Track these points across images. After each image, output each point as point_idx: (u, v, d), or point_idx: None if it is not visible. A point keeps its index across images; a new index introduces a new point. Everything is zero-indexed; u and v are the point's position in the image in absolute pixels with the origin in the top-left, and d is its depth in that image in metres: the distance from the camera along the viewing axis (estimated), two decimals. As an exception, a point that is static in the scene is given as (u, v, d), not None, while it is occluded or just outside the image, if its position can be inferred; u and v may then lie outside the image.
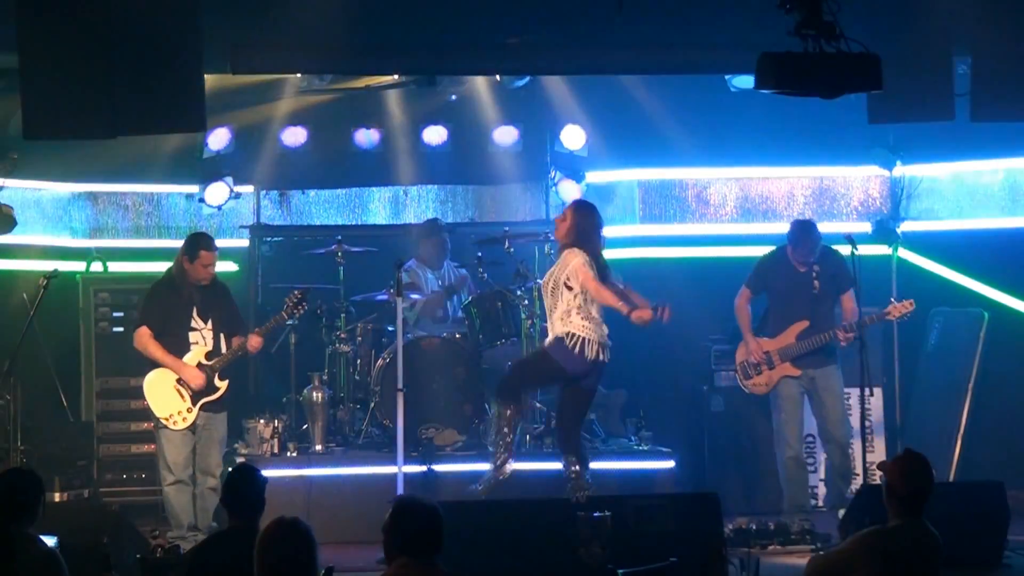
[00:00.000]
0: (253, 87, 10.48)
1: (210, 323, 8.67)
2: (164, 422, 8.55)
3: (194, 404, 8.57)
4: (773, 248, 9.58)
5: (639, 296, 8.46)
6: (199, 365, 8.60)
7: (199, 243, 8.69)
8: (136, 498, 9.89)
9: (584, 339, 8.31)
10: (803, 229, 9.44)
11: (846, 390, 10.04)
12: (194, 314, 8.64)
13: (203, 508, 8.57)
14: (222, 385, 8.64)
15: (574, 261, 8.33)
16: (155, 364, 8.62)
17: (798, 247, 9.32)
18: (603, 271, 8.43)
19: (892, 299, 9.34)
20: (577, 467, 8.47)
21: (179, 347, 8.61)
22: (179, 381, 8.58)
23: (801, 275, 9.31)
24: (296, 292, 8.90)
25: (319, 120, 10.96)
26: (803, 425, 9.33)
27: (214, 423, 8.66)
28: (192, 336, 8.64)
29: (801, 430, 9.31)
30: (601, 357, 8.37)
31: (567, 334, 8.32)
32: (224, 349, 8.67)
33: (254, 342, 8.65)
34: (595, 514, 7.12)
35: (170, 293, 8.70)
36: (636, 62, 9.89)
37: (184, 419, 8.55)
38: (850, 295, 9.29)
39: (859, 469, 9.83)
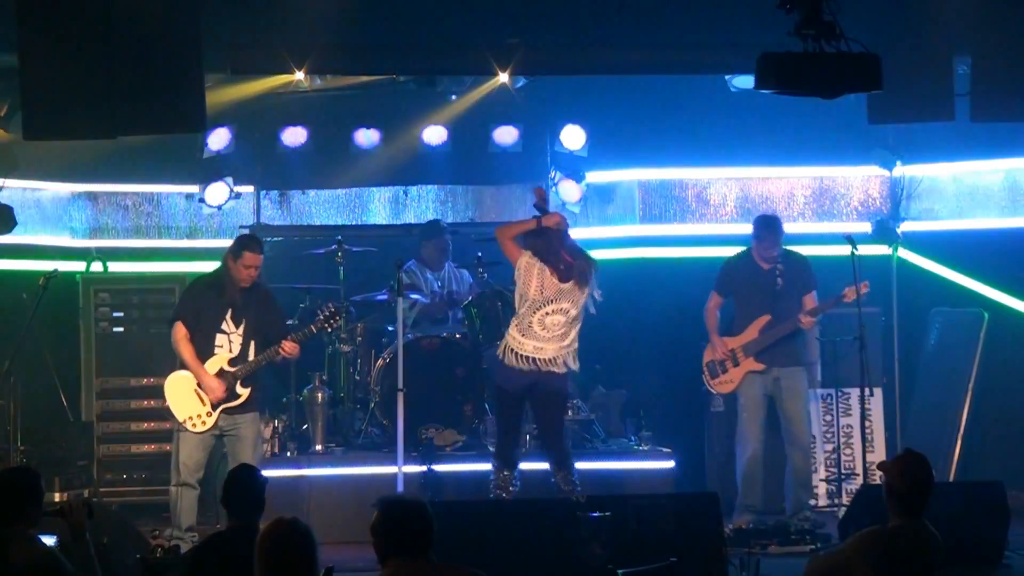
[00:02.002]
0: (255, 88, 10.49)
1: (242, 328, 8.50)
2: (183, 425, 8.48)
3: (214, 409, 8.45)
4: (737, 251, 9.56)
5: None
6: (220, 371, 8.47)
7: (244, 244, 8.57)
8: (136, 498, 9.88)
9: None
10: (767, 223, 9.43)
11: (846, 390, 10.07)
12: (228, 316, 8.49)
13: None
14: (244, 392, 8.48)
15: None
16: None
17: (763, 240, 9.30)
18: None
19: (848, 283, 9.30)
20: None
21: (206, 348, 8.48)
22: (200, 385, 8.52)
23: (765, 273, 9.32)
24: (330, 306, 8.72)
25: (319, 120, 10.95)
26: (765, 426, 9.31)
27: (241, 424, 8.52)
28: (219, 339, 8.49)
29: (762, 431, 9.29)
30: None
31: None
32: (252, 356, 8.52)
33: (287, 346, 8.43)
34: (595, 514, 7.12)
35: (209, 290, 8.58)
36: (636, 62, 9.91)
37: (203, 423, 8.45)
38: (812, 296, 9.31)
39: (859, 469, 9.85)
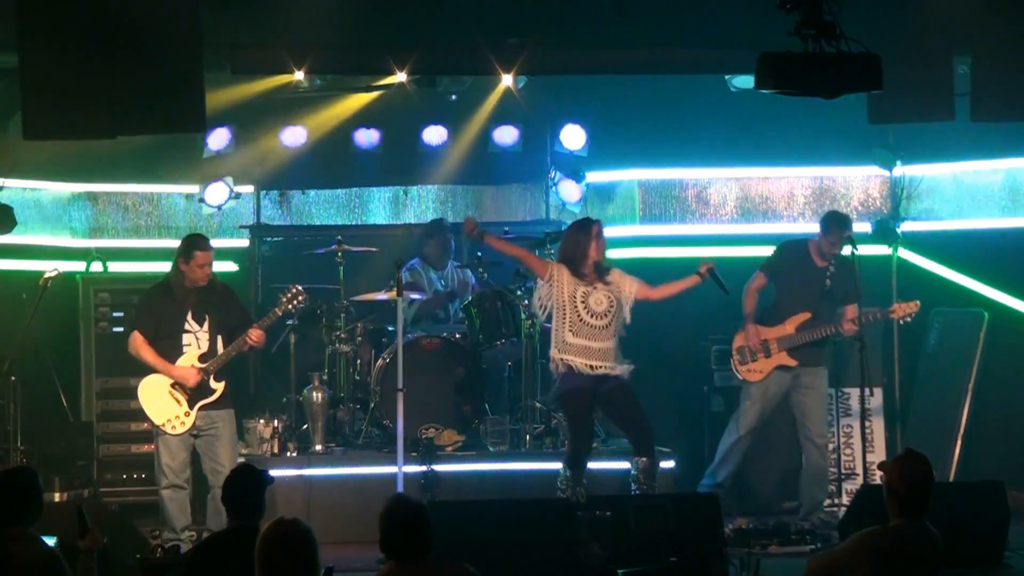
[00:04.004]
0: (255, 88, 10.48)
1: (206, 325, 8.58)
2: (162, 428, 8.52)
3: (191, 407, 8.51)
4: (796, 238, 9.59)
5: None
6: (192, 368, 8.56)
7: (193, 244, 8.63)
8: (136, 498, 9.87)
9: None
10: (839, 219, 9.38)
11: (846, 390, 10.06)
12: (188, 317, 8.56)
13: (216, 511, 8.34)
14: (218, 387, 8.56)
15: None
16: (151, 369, 8.59)
17: (829, 234, 9.24)
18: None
19: (897, 300, 9.31)
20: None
21: (173, 350, 8.55)
22: (174, 385, 8.51)
23: (817, 270, 9.30)
24: (293, 287, 8.84)
25: (320, 120, 10.95)
26: (763, 419, 9.32)
27: (219, 422, 8.57)
28: (186, 338, 8.56)
29: (758, 423, 9.30)
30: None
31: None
32: (221, 350, 8.59)
33: (254, 335, 8.55)
34: (595, 514, 7.11)
35: (164, 297, 8.64)
36: (636, 62, 9.90)
37: (183, 423, 8.50)
38: (854, 307, 9.22)
39: (859, 469, 9.85)
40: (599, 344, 8.56)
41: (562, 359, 8.54)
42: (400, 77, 10.03)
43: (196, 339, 8.58)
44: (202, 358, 8.56)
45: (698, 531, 7.60)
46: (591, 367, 8.52)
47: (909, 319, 9.37)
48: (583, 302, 8.55)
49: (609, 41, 9.64)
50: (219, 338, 8.60)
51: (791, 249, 9.48)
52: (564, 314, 8.55)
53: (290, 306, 8.79)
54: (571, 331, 8.52)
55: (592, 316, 8.54)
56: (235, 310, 8.78)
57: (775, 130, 10.64)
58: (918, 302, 9.30)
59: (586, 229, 8.73)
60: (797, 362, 9.25)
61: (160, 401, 8.52)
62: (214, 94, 9.20)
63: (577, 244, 8.68)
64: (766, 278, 9.43)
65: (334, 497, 9.14)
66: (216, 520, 8.39)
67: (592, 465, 8.81)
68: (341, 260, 10.03)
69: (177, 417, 8.50)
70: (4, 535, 5.47)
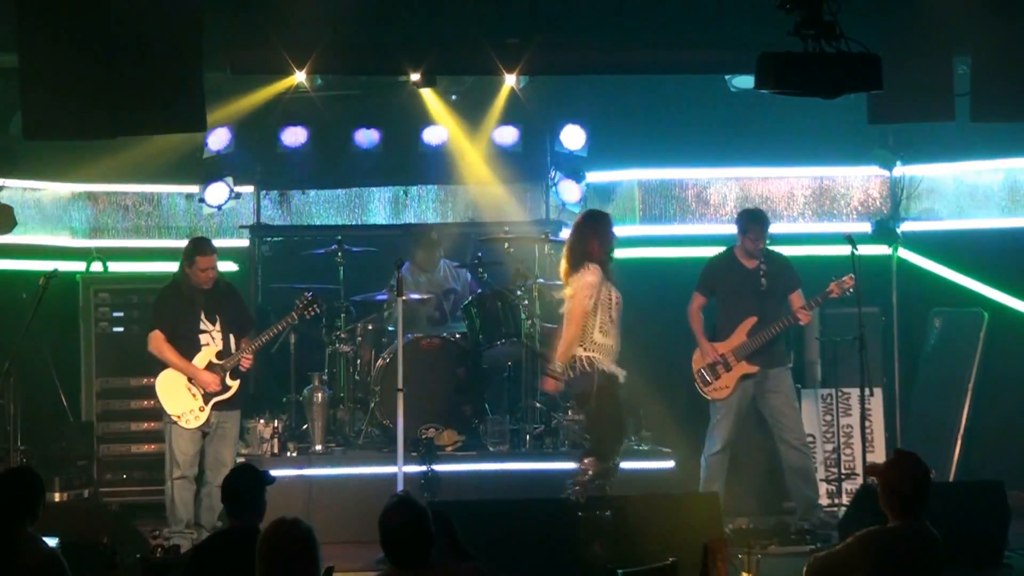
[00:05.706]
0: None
1: (218, 324, 8.78)
2: (176, 419, 8.64)
3: (206, 403, 8.68)
4: (719, 251, 9.53)
5: None
6: (210, 364, 8.71)
7: (195, 249, 8.79)
8: (136, 498, 9.88)
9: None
10: (753, 215, 9.40)
11: (846, 390, 10.06)
12: (202, 316, 8.75)
13: (210, 507, 8.61)
14: (234, 384, 8.76)
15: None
16: (162, 366, 8.72)
17: (748, 233, 9.25)
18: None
19: (833, 277, 9.27)
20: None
21: (190, 348, 8.71)
22: (191, 380, 8.66)
23: (748, 272, 9.28)
24: (306, 295, 8.97)
25: (319, 120, 10.95)
26: (736, 429, 9.30)
27: (228, 422, 8.78)
28: (203, 338, 8.75)
29: (732, 434, 9.29)
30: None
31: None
32: (234, 349, 8.79)
33: (245, 363, 8.78)
34: (595, 514, 7.11)
35: (177, 297, 8.81)
36: (636, 62, 9.91)
37: (196, 418, 8.67)
38: (799, 294, 9.27)
39: (859, 469, 9.85)
40: (617, 342, 8.46)
41: (588, 357, 8.29)
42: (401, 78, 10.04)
43: (212, 338, 8.78)
44: (219, 355, 8.75)
45: (698, 531, 7.59)
46: (614, 365, 8.43)
47: (848, 292, 9.27)
48: (617, 303, 8.42)
49: (609, 41, 9.65)
50: (231, 336, 8.82)
51: (718, 261, 9.46)
52: (596, 315, 8.32)
53: (305, 313, 9.02)
54: (601, 331, 8.36)
55: (617, 314, 8.42)
56: (240, 310, 9.02)
57: (775, 130, 10.64)
58: (852, 275, 9.22)
59: (610, 222, 8.55)
60: (758, 367, 9.22)
61: (177, 394, 8.67)
62: (214, 94, 9.20)
63: (611, 239, 8.46)
64: (704, 297, 9.40)
65: (334, 497, 9.14)
66: (209, 517, 8.50)
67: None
68: (341, 260, 10.04)
69: (192, 411, 8.65)
70: (6, 535, 5.47)
